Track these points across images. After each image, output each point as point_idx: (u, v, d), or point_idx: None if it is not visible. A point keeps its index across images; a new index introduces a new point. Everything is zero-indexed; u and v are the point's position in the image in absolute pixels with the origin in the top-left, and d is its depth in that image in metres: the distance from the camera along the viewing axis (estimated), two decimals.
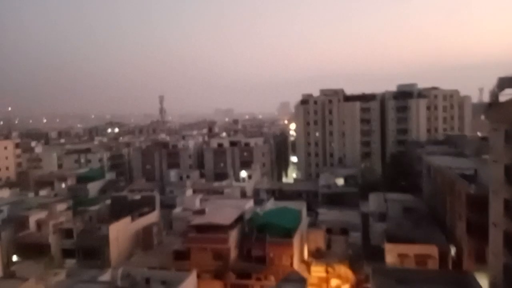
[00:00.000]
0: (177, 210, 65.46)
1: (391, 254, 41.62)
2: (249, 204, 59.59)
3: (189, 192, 75.12)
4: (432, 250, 41.28)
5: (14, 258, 53.38)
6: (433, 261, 40.80)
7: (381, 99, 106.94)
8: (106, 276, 40.03)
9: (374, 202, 61.52)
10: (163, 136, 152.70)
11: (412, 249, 41.49)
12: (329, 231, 56.15)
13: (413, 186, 74.53)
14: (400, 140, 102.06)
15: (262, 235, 49.15)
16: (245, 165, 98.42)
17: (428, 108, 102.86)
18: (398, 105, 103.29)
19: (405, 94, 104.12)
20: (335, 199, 74.20)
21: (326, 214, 62.48)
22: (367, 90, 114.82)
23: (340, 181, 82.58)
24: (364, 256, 47.79)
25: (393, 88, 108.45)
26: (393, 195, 61.54)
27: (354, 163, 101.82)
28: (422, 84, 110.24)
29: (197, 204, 65.75)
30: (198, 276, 44.09)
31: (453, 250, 44.60)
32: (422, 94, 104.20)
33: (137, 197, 68.05)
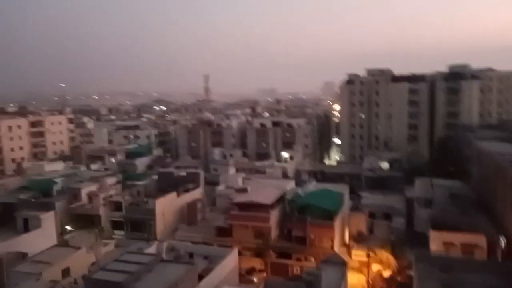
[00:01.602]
0: (220, 188, 66.81)
1: (436, 241, 40.57)
2: (291, 185, 59.86)
3: (232, 170, 76.29)
4: (479, 239, 39.85)
5: (68, 227, 56.77)
6: (481, 251, 39.42)
7: (431, 81, 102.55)
8: (152, 249, 41.79)
9: (419, 187, 59.90)
10: (207, 115, 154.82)
11: (459, 238, 40.22)
12: (371, 215, 55.49)
13: (461, 172, 71.71)
14: (449, 124, 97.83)
15: (303, 216, 49.41)
16: (287, 145, 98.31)
17: (482, 90, 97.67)
18: (449, 86, 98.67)
19: (456, 75, 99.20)
20: (379, 183, 72.93)
21: (369, 198, 61.60)
22: (416, 70, 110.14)
23: (385, 165, 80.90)
24: (407, 242, 46.96)
25: (444, 69, 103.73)
26: (440, 181, 59.61)
27: (400, 146, 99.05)
28: (475, 65, 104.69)
29: (239, 183, 66.79)
30: (240, 253, 45.16)
31: (503, 241, 42.85)
32: (475, 75, 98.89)
33: (183, 173, 69.93)
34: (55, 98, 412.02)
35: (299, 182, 66.59)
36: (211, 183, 72.04)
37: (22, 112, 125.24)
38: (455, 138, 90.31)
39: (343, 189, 58.39)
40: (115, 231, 57.39)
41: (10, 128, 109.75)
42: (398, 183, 70.18)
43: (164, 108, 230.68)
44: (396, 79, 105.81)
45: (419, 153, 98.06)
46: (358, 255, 47.45)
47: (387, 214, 55.88)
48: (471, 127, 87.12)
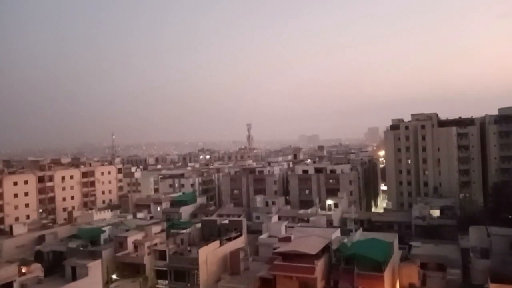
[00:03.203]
0: (263, 236, 65.85)
1: None
2: (336, 233, 57.99)
3: (274, 218, 75.31)
4: None
5: (113, 276, 57.35)
6: None
7: (481, 124, 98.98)
8: None
9: (475, 236, 56.18)
10: (250, 162, 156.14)
11: None
12: (424, 266, 52.25)
13: None
14: (504, 169, 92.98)
15: (350, 267, 47.32)
16: (331, 192, 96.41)
17: None
18: (500, 130, 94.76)
19: (508, 118, 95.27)
20: (431, 232, 69.37)
21: (421, 248, 58.38)
22: (464, 114, 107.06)
23: (436, 212, 77.17)
24: None
25: (493, 112, 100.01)
26: (497, 229, 55.69)
27: (451, 193, 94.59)
28: None
29: (282, 231, 65.57)
30: None
31: None
32: None
33: (226, 221, 69.96)
34: (106, 149, 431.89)
35: (345, 231, 64.42)
36: (254, 231, 71.36)
37: (74, 163, 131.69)
38: (510, 183, 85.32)
39: (392, 238, 55.74)
40: (159, 280, 57.33)
41: (63, 178, 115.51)
42: (451, 231, 66.48)
43: (208, 157, 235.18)
44: (443, 123, 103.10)
45: (472, 199, 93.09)
46: None
47: (440, 265, 52.47)
48: None
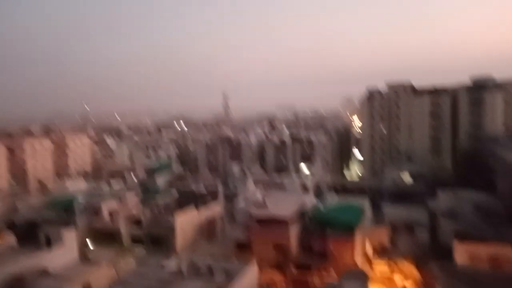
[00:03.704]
0: (239, 202, 66.58)
1: (461, 254, 39.25)
2: (310, 198, 59.21)
3: (251, 185, 76.05)
4: (508, 251, 38.35)
5: (89, 244, 57.20)
6: (510, 264, 37.90)
7: (453, 93, 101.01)
8: (172, 264, 41.59)
9: (443, 199, 58.47)
10: (226, 131, 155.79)
11: (485, 250, 38.80)
12: (393, 228, 54.23)
13: (487, 184, 69.79)
14: (473, 136, 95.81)
15: (323, 230, 48.64)
16: (307, 160, 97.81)
17: (507, 101, 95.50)
18: (472, 98, 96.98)
19: (479, 87, 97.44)
20: (401, 196, 71.58)
21: (391, 211, 60.36)
22: (437, 82, 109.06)
23: (407, 178, 79.41)
24: (431, 255, 45.62)
25: (466, 80, 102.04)
26: (464, 192, 58.07)
27: (422, 159, 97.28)
28: (500, 76, 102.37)
29: (258, 197, 66.42)
30: (259, 267, 44.51)
31: None
32: (499, 86, 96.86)
33: (202, 189, 70.20)
34: (77, 116, 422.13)
35: (319, 196, 65.85)
36: (230, 198, 71.98)
37: (46, 131, 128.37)
38: (479, 149, 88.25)
39: (364, 202, 57.43)
40: (136, 247, 57.54)
41: (34, 148, 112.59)
42: (421, 196, 68.70)
43: (184, 125, 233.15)
44: (417, 91, 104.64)
45: (443, 165, 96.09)
46: (381, 268, 46.27)
47: (409, 226, 54.54)
48: (496, 139, 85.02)
